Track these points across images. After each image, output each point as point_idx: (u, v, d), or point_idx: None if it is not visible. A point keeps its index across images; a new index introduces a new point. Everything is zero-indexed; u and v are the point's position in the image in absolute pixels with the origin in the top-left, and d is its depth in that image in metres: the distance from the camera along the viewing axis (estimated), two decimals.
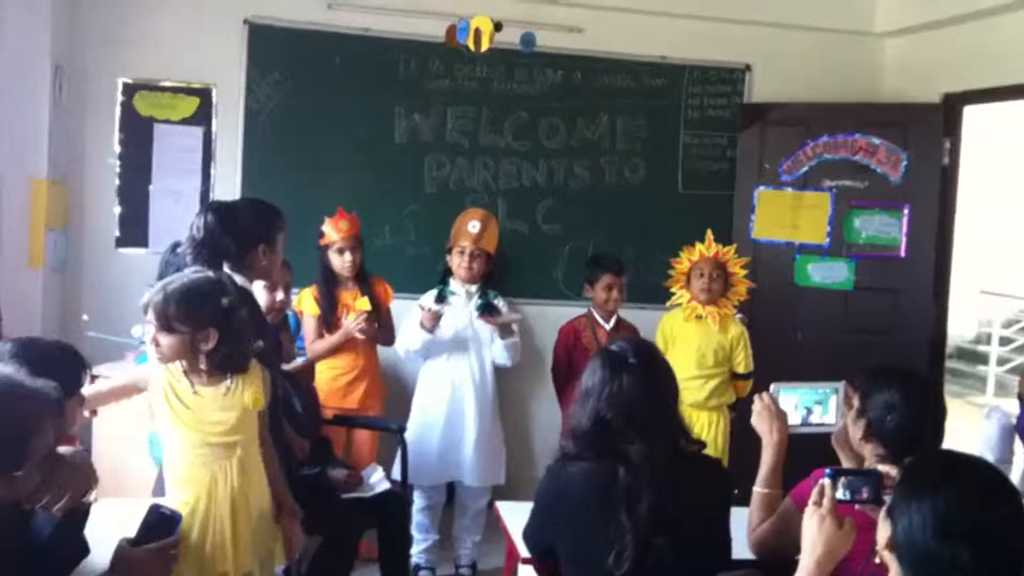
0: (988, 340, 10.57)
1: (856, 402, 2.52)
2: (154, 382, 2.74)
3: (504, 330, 4.51)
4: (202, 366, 2.71)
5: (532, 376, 5.17)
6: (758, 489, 2.61)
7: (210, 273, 2.83)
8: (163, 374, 2.73)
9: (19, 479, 2.03)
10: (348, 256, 4.51)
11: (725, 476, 2.69)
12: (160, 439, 2.79)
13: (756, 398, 2.66)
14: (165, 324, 2.65)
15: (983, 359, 10.51)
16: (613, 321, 4.66)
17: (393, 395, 4.90)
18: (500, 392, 4.71)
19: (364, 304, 4.46)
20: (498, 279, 4.77)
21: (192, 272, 2.82)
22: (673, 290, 4.65)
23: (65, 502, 2.17)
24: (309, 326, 4.50)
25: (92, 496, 2.32)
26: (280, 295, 3.60)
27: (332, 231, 4.51)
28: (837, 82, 5.64)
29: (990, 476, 1.79)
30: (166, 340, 2.66)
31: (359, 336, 4.45)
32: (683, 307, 4.60)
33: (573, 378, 4.60)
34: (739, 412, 4.51)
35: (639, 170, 5.62)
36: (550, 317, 5.19)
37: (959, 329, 9.80)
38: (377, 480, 4.02)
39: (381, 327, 4.60)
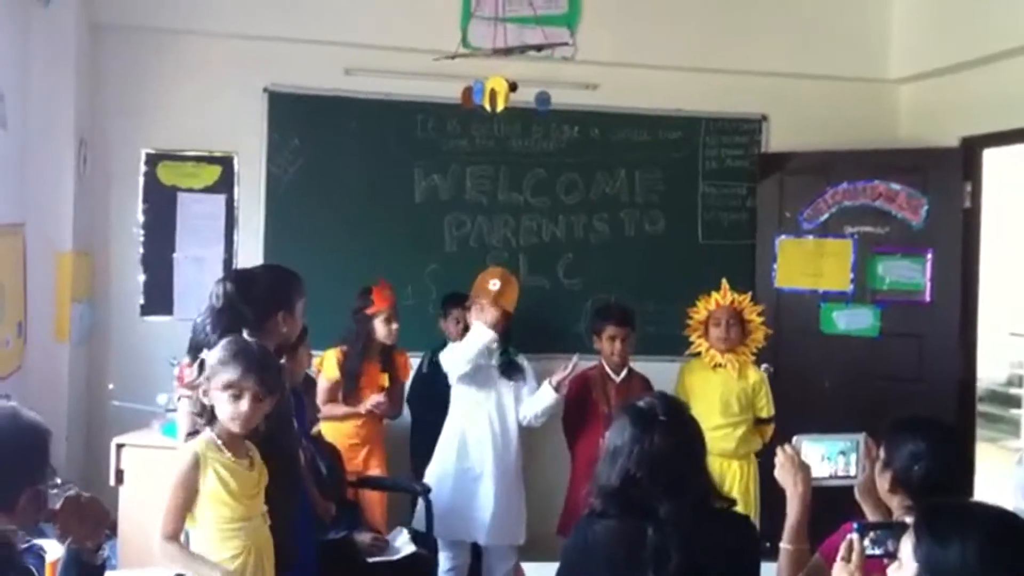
0: (1020, 383, 10.41)
1: (881, 453, 2.48)
2: (201, 463, 2.69)
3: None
4: (251, 431, 2.74)
5: (556, 432, 5.12)
6: (785, 546, 2.56)
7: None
8: (204, 452, 2.70)
9: (42, 492, 2.17)
10: (395, 325, 4.57)
11: (755, 532, 2.66)
12: (198, 516, 2.73)
13: (779, 450, 2.62)
14: (271, 388, 2.72)
15: (1016, 402, 10.34)
16: (623, 374, 4.65)
17: (402, 456, 4.93)
18: (523, 449, 4.67)
19: (385, 381, 4.57)
20: (515, 337, 4.75)
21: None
22: (692, 339, 4.66)
23: (78, 534, 2.25)
24: (323, 388, 4.51)
25: (104, 552, 2.34)
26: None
27: (381, 300, 4.55)
28: (854, 129, 5.64)
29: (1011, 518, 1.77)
30: (269, 402, 2.73)
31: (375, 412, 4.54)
32: (702, 356, 4.62)
33: (581, 428, 4.63)
34: (765, 461, 4.47)
35: (659, 222, 5.63)
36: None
37: (990, 372, 9.65)
38: (403, 543, 4.00)
39: (392, 402, 4.65)
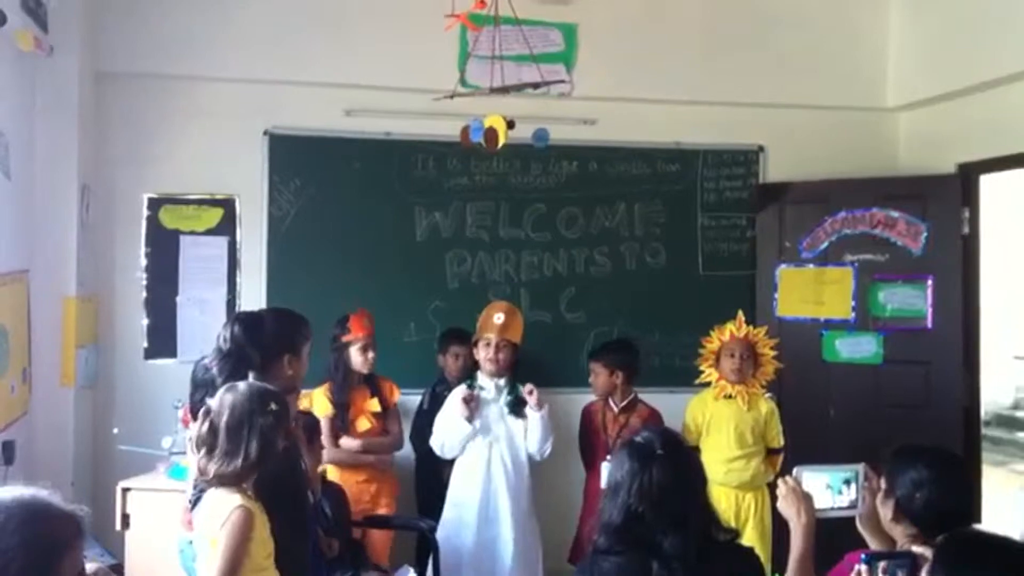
0: None
1: (882, 483, 2.48)
2: (253, 510, 2.65)
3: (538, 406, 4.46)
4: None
5: (565, 464, 5.09)
6: None
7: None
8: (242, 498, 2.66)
9: None
10: (371, 353, 4.55)
11: (758, 563, 2.65)
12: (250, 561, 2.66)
13: (780, 482, 2.63)
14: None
15: (1021, 425, 10.33)
16: (623, 404, 4.68)
17: (406, 494, 4.93)
18: (534, 483, 4.65)
19: (374, 405, 4.54)
20: (523, 372, 4.75)
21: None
22: (702, 368, 4.67)
23: None
24: (324, 428, 4.45)
25: None
26: None
27: (358, 328, 4.54)
28: (852, 158, 5.68)
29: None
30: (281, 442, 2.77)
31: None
32: (712, 386, 4.63)
33: (587, 459, 4.76)
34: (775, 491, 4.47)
35: (659, 254, 5.66)
36: (578, 405, 5.17)
37: (995, 396, 9.65)
38: None
39: (388, 432, 4.65)
